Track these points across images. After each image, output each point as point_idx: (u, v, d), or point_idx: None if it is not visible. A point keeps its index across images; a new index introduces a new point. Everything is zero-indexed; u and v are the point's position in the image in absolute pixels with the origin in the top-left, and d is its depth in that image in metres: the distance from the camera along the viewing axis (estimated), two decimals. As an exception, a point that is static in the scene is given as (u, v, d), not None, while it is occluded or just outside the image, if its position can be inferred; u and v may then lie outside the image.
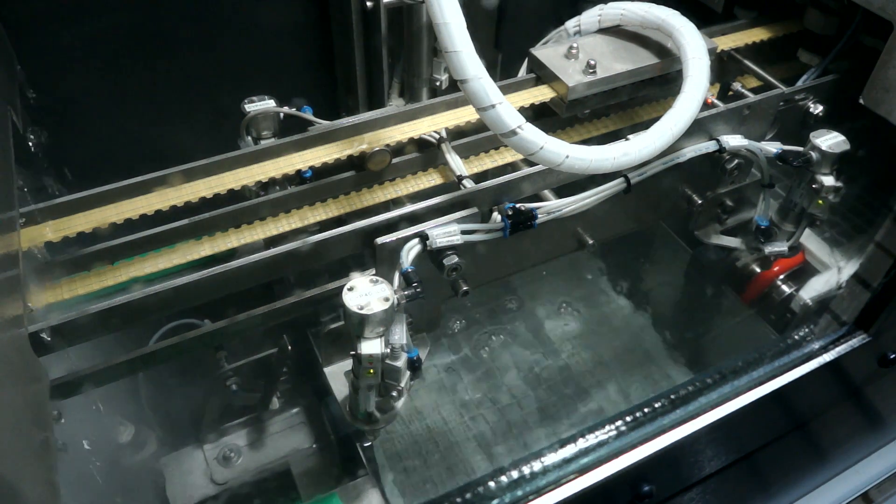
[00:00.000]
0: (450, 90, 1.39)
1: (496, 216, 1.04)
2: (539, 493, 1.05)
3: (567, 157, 0.91)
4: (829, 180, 1.17)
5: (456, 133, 1.14)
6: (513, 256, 1.15)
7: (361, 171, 1.10)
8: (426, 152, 1.14)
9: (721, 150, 1.15)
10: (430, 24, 1.29)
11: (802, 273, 1.48)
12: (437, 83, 1.44)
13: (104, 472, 1.17)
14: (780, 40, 1.34)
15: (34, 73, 1.23)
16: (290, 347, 1.25)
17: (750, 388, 1.19)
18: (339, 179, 1.09)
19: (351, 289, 0.86)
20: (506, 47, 1.57)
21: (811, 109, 1.26)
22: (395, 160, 1.12)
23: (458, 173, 1.08)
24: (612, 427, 1.16)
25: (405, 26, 1.35)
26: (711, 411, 1.15)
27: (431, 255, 0.98)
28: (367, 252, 1.01)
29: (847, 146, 1.15)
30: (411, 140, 1.11)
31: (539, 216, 1.02)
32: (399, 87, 1.50)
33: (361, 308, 0.84)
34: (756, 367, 1.25)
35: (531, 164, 0.99)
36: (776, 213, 1.28)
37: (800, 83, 1.27)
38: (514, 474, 1.09)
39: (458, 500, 1.07)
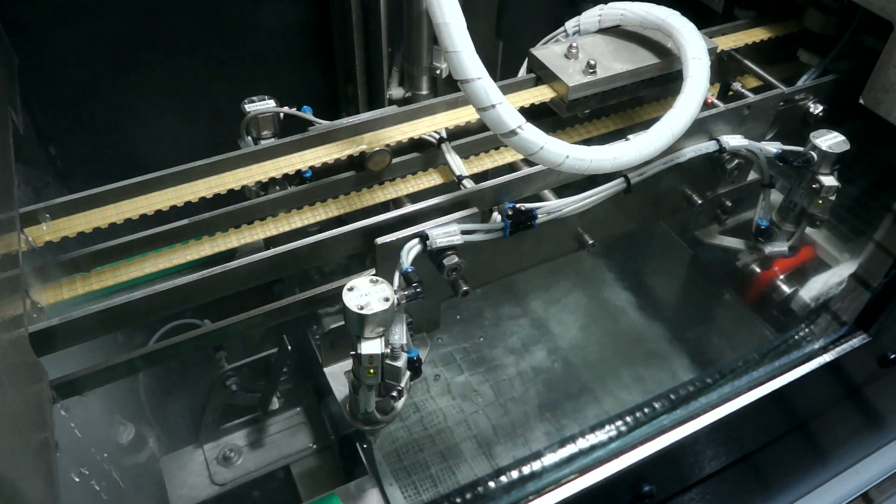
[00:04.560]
0: (450, 79, 1.38)
1: (496, 216, 1.04)
2: (539, 493, 1.06)
3: (567, 157, 0.91)
4: (829, 180, 1.17)
5: (456, 133, 1.14)
6: (513, 256, 1.15)
7: (361, 171, 1.10)
8: (426, 152, 1.14)
9: (721, 150, 1.15)
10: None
11: (803, 273, 1.48)
12: (437, 72, 1.41)
13: (104, 473, 1.17)
14: (780, 40, 1.34)
15: (34, 73, 1.23)
16: (289, 347, 1.25)
17: (750, 388, 1.19)
18: (339, 179, 1.09)
19: (351, 289, 0.86)
20: (507, 37, 1.55)
21: (811, 109, 1.26)
22: (395, 160, 1.12)
23: (458, 173, 1.08)
24: (613, 427, 1.16)
25: (404, 12, 1.34)
26: (711, 411, 1.15)
27: (431, 255, 0.98)
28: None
29: (847, 146, 1.15)
30: (411, 140, 1.11)
31: (539, 216, 1.02)
32: (399, 76, 1.48)
33: (361, 308, 0.84)
34: (756, 367, 1.25)
35: (531, 164, 0.99)
36: (776, 213, 1.28)
37: (800, 83, 1.27)
38: (514, 474, 1.09)
39: (458, 500, 1.07)
